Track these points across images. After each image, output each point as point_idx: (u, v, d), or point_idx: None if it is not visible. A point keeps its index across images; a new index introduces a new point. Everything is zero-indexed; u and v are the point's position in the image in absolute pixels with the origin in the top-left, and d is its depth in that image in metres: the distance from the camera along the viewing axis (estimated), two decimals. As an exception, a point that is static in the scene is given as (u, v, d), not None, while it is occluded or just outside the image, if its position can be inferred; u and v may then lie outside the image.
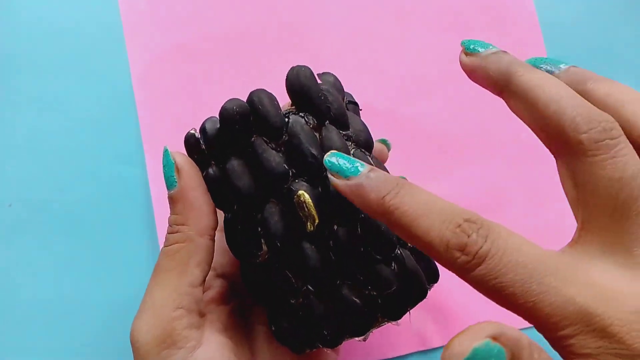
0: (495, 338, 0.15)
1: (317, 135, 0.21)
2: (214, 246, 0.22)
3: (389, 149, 0.28)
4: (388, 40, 0.35)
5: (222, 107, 0.21)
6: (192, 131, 0.23)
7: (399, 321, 0.22)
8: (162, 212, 0.32)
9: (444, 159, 0.34)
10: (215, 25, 0.35)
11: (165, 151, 0.22)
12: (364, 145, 0.22)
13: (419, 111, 0.35)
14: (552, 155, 0.18)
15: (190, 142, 0.23)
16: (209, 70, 0.34)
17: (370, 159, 0.22)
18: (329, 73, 0.24)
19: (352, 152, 0.21)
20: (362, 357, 0.31)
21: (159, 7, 0.35)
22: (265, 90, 0.21)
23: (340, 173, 0.18)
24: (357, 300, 0.20)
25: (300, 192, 0.20)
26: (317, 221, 0.20)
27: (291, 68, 0.21)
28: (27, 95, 0.33)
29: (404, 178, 0.27)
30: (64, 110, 0.33)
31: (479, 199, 0.34)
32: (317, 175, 0.21)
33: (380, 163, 0.23)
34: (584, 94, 0.18)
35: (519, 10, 0.36)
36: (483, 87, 0.20)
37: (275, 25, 0.35)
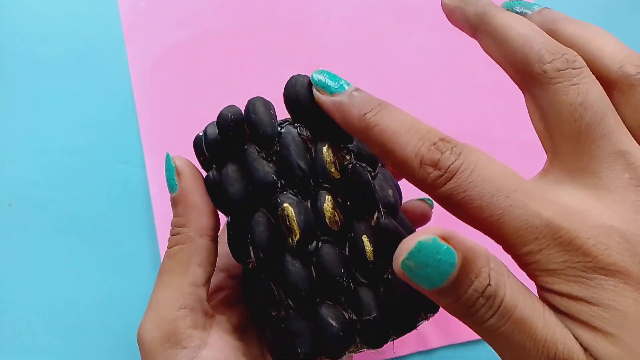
0: (445, 239, 0.15)
1: (311, 147, 0.21)
2: (216, 247, 0.22)
3: (431, 207, 0.27)
4: (388, 40, 0.35)
5: (219, 113, 0.21)
6: (200, 134, 0.23)
7: (380, 350, 0.21)
8: (161, 212, 0.32)
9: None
10: (215, 26, 0.35)
11: (167, 156, 0.22)
12: (366, 159, 0.21)
13: (419, 111, 0.34)
14: (521, 92, 0.18)
15: (197, 145, 0.23)
16: (209, 70, 0.34)
17: (369, 175, 0.21)
18: None
19: (349, 166, 0.20)
20: (361, 357, 0.31)
21: (159, 7, 0.35)
22: (262, 99, 0.21)
23: (325, 89, 0.19)
24: (333, 323, 0.20)
25: (285, 205, 0.20)
26: (297, 237, 0.20)
27: (290, 77, 0.21)
28: (27, 95, 0.33)
29: (428, 201, 0.27)
30: (63, 110, 0.33)
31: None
32: (305, 188, 0.20)
33: (390, 189, 0.22)
34: (553, 33, 0.18)
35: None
36: (460, 28, 0.21)
37: (276, 26, 0.35)
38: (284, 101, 0.21)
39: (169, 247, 0.22)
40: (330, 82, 0.19)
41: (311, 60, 0.34)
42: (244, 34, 0.35)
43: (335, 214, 0.20)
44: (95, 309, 0.31)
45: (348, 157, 0.21)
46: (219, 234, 0.23)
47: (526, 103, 0.18)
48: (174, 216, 0.22)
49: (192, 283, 0.21)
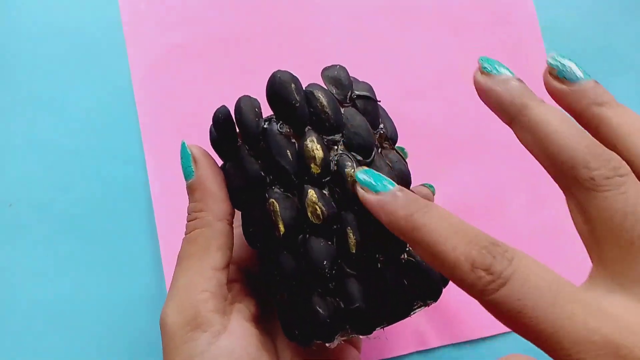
0: None
1: (294, 142, 0.21)
2: (232, 231, 0.23)
3: (434, 194, 0.28)
4: (388, 41, 0.35)
5: (213, 114, 0.22)
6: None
7: (370, 336, 0.21)
8: (162, 211, 0.32)
9: (444, 159, 0.34)
10: (215, 26, 0.35)
11: (183, 144, 0.23)
12: (358, 148, 0.21)
13: (419, 111, 0.35)
14: (562, 191, 0.18)
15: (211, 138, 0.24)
16: (209, 70, 0.34)
17: (354, 163, 0.21)
18: (333, 67, 0.23)
19: (335, 157, 0.21)
20: (361, 357, 0.31)
21: (159, 7, 0.35)
22: (247, 98, 0.22)
23: (370, 188, 0.19)
24: (321, 311, 0.21)
25: (271, 200, 0.21)
26: (282, 231, 0.21)
27: (271, 75, 0.22)
28: (27, 95, 0.33)
29: (430, 187, 0.27)
30: (64, 110, 0.33)
31: (479, 199, 0.34)
32: (290, 183, 0.21)
33: (401, 169, 0.23)
34: (599, 119, 0.18)
35: (518, 10, 0.36)
36: (492, 110, 0.20)
37: (276, 26, 0.35)
38: (267, 98, 0.22)
39: (186, 233, 0.22)
40: (374, 181, 0.19)
41: (311, 60, 0.34)
42: (244, 34, 0.35)
43: (318, 207, 0.20)
44: (96, 308, 0.31)
45: (335, 148, 0.21)
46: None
47: (568, 205, 0.18)
48: (190, 202, 0.23)
49: (212, 267, 0.21)
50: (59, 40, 0.34)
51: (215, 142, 0.23)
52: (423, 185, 0.28)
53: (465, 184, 0.34)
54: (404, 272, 0.21)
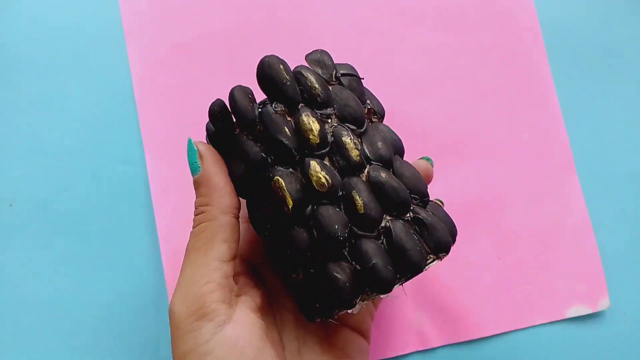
0: None
1: (290, 120, 0.22)
2: (238, 224, 0.23)
3: (432, 165, 0.29)
4: (388, 40, 0.35)
5: (208, 109, 0.23)
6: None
7: (390, 294, 0.22)
8: (162, 211, 0.32)
9: (443, 159, 0.34)
10: (215, 26, 0.35)
11: (189, 141, 0.23)
12: (351, 119, 0.23)
13: (419, 111, 0.35)
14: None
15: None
16: (209, 70, 0.34)
17: (349, 132, 0.22)
18: (316, 51, 0.25)
19: (331, 129, 0.22)
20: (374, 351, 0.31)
21: (159, 7, 0.35)
22: (240, 87, 0.23)
23: None
24: (339, 276, 0.21)
25: (276, 177, 0.21)
26: (291, 204, 0.21)
27: (261, 59, 0.22)
28: (27, 95, 0.33)
29: (440, 201, 0.27)
30: (64, 110, 0.33)
31: (479, 199, 0.34)
32: (291, 159, 0.22)
33: (388, 134, 0.24)
34: None
35: (519, 10, 0.36)
36: None
37: (275, 25, 0.35)
38: (258, 82, 0.23)
39: (193, 227, 0.23)
40: None
41: (311, 61, 0.34)
42: (244, 34, 0.35)
43: (322, 176, 0.21)
44: (96, 308, 0.31)
45: (329, 121, 0.23)
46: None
47: None
48: (197, 197, 0.23)
49: (217, 258, 0.22)
50: (59, 40, 0.34)
51: (213, 136, 0.24)
52: (422, 158, 0.28)
53: (465, 184, 0.34)
54: (413, 229, 0.22)
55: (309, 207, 0.22)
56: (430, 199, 0.24)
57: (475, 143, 0.34)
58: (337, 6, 0.36)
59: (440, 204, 0.27)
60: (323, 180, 0.21)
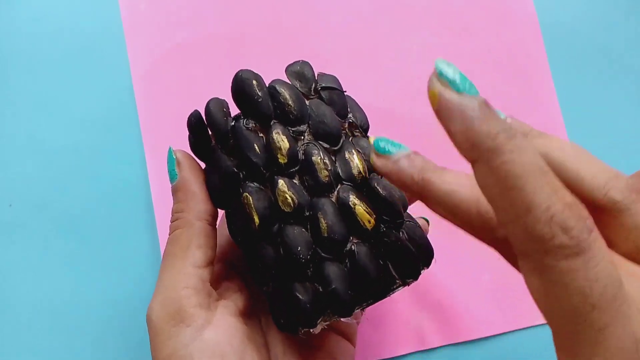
0: None
1: (262, 136, 0.22)
2: (214, 231, 0.23)
3: (428, 224, 0.28)
4: (388, 40, 0.35)
5: (187, 118, 0.23)
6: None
7: (349, 318, 0.22)
8: (162, 211, 0.32)
9: (443, 159, 0.34)
10: (215, 26, 0.35)
11: (169, 149, 0.24)
12: (325, 137, 0.22)
13: (419, 111, 0.35)
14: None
15: None
16: (209, 70, 0.34)
17: (321, 151, 0.22)
18: (296, 62, 0.24)
19: (302, 147, 0.22)
20: (361, 357, 0.31)
21: (159, 7, 0.35)
22: (215, 100, 0.23)
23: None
24: (300, 296, 0.21)
25: (245, 194, 0.22)
26: (257, 222, 0.21)
27: (235, 74, 0.22)
28: (27, 95, 0.33)
29: (425, 219, 0.27)
30: (64, 110, 0.33)
31: (479, 199, 0.34)
32: (260, 176, 0.22)
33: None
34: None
35: (518, 10, 0.36)
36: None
37: (275, 26, 0.35)
38: (232, 97, 0.23)
39: (169, 234, 0.23)
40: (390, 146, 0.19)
41: (311, 60, 0.34)
42: (244, 34, 0.35)
43: (288, 196, 0.21)
44: (95, 308, 0.31)
45: (302, 138, 0.22)
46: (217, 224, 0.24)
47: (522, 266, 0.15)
48: (174, 203, 0.24)
49: (193, 264, 0.22)
50: (59, 40, 0.34)
51: (194, 145, 0.24)
52: (420, 218, 0.27)
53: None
54: (380, 252, 0.22)
55: (277, 225, 0.22)
56: (416, 217, 0.24)
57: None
58: (336, 6, 0.35)
59: (426, 222, 0.27)
60: (289, 199, 0.21)
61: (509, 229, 0.15)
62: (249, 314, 0.24)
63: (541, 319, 0.32)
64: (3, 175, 0.32)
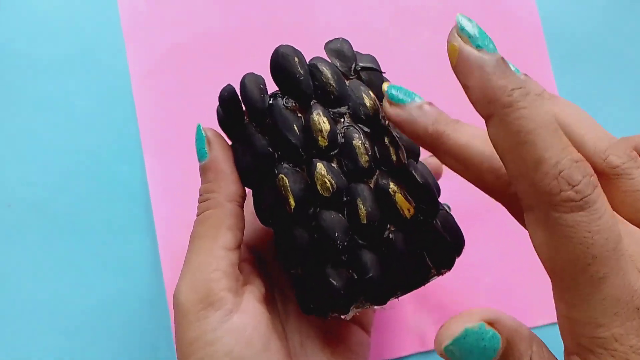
0: (490, 323, 0.15)
1: (300, 116, 0.21)
2: (242, 213, 0.23)
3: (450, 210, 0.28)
4: (387, 40, 0.35)
5: (219, 94, 0.22)
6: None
7: (384, 306, 0.22)
8: (161, 211, 0.32)
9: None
10: (215, 26, 0.35)
11: (198, 127, 0.23)
12: (365, 120, 0.21)
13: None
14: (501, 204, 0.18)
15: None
16: (209, 71, 0.34)
17: (361, 135, 0.21)
18: (336, 40, 0.23)
19: (342, 129, 0.21)
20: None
21: (158, 7, 0.35)
22: (252, 74, 0.22)
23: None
24: (334, 282, 0.21)
25: (280, 175, 0.21)
26: (293, 205, 0.21)
27: (275, 49, 0.22)
28: (26, 95, 0.33)
29: (447, 205, 0.27)
30: (63, 110, 0.33)
31: (481, 199, 0.33)
32: (298, 158, 0.21)
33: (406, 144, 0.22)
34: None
35: (520, 9, 0.36)
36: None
37: (275, 26, 0.35)
38: (270, 73, 0.22)
39: (197, 214, 0.22)
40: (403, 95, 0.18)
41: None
42: (243, 34, 0.35)
43: (327, 180, 0.20)
44: (95, 309, 0.31)
45: (342, 120, 0.21)
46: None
47: (527, 221, 0.16)
48: (203, 183, 0.23)
49: (223, 246, 0.21)
50: (58, 40, 0.34)
51: (223, 122, 0.23)
52: (432, 156, 0.27)
53: (466, 184, 0.34)
54: (416, 241, 0.21)
55: (312, 209, 0.21)
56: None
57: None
58: (336, 6, 0.35)
59: (448, 209, 0.27)
60: (328, 184, 0.21)
61: (518, 183, 0.15)
62: (269, 301, 0.24)
63: (542, 320, 0.32)
64: (3, 175, 0.32)
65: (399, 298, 0.22)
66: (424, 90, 0.36)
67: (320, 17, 0.35)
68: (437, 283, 0.32)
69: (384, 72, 0.23)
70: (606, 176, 0.17)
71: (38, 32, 0.34)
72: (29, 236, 0.32)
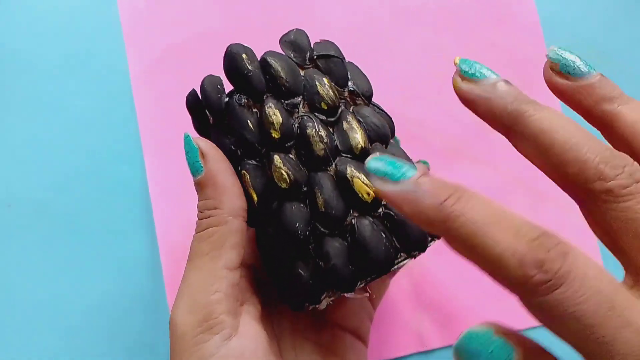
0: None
1: (256, 111, 0.21)
2: (246, 228, 0.22)
3: (429, 169, 0.27)
4: (387, 40, 0.35)
5: (185, 99, 0.23)
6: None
7: (355, 294, 0.21)
8: (161, 211, 0.32)
9: (443, 159, 0.34)
10: (215, 26, 0.35)
11: (187, 137, 0.21)
12: (322, 109, 0.21)
13: (419, 111, 0.34)
14: (574, 200, 0.17)
15: None
16: (208, 70, 0.34)
17: (317, 123, 0.21)
18: (290, 32, 0.23)
19: (298, 120, 0.21)
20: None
21: (158, 7, 0.35)
22: (210, 77, 0.22)
23: (389, 177, 0.15)
24: (302, 273, 0.21)
25: (243, 171, 0.21)
26: (256, 199, 0.21)
27: (226, 49, 0.22)
28: (26, 95, 0.33)
29: (425, 162, 0.26)
30: (63, 110, 0.33)
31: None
32: (257, 153, 0.21)
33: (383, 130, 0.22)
34: (612, 116, 0.16)
35: (519, 8, 0.36)
36: (482, 119, 0.18)
37: (275, 26, 0.35)
38: (224, 73, 0.22)
39: (198, 231, 0.21)
40: (389, 171, 0.15)
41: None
42: (243, 33, 0.35)
43: (283, 171, 0.21)
44: (95, 309, 0.31)
45: (296, 111, 0.21)
46: None
47: (584, 215, 0.16)
48: (201, 199, 0.21)
49: (225, 266, 0.21)
50: (58, 39, 0.34)
51: (196, 127, 0.23)
52: (419, 162, 0.26)
53: (465, 184, 0.34)
54: (385, 226, 0.21)
55: (275, 202, 0.21)
56: (415, 161, 0.23)
57: (475, 143, 0.34)
58: (336, 6, 0.35)
59: (426, 167, 0.26)
60: (285, 175, 0.21)
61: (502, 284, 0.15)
62: (264, 319, 0.23)
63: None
64: (3, 175, 0.32)
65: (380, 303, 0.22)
66: (424, 90, 0.36)
67: (320, 17, 0.35)
68: (437, 283, 0.32)
69: (344, 58, 0.23)
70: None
71: (38, 32, 0.34)
72: (29, 236, 0.32)
